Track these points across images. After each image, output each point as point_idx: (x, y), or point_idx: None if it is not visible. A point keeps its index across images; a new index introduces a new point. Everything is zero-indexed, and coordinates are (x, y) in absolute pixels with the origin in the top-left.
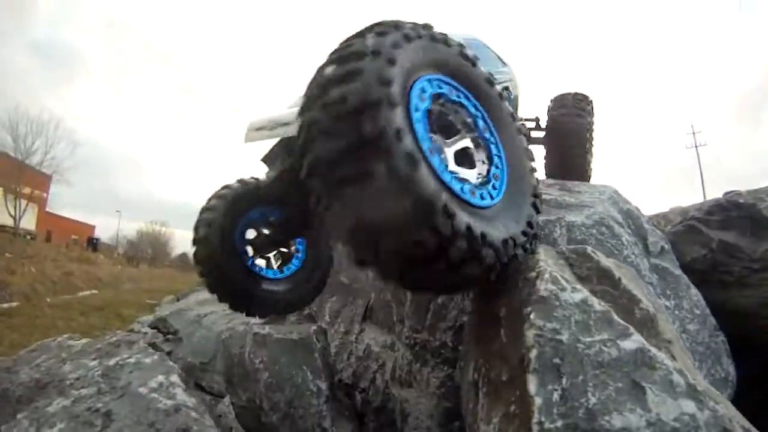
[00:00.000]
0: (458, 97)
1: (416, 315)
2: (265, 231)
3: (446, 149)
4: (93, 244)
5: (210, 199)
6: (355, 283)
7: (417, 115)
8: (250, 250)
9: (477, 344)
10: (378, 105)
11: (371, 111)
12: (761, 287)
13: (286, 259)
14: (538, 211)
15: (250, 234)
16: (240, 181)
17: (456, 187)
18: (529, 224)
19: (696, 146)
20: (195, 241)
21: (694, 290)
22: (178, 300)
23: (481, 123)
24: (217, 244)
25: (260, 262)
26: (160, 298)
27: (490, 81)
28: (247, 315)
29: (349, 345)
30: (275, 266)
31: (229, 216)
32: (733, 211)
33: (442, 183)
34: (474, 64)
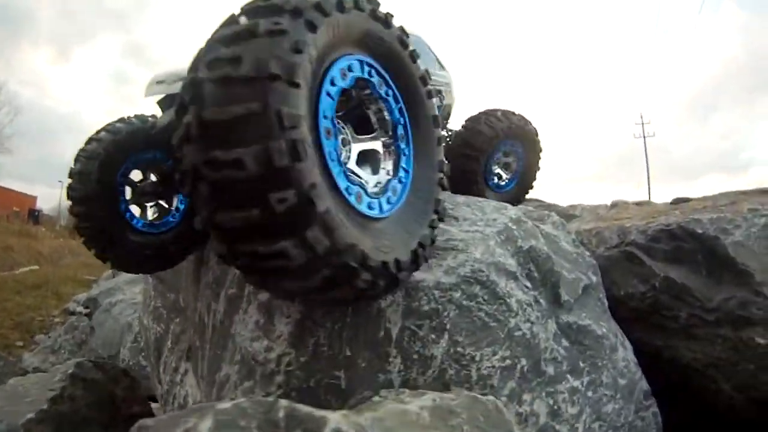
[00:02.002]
0: (386, 93)
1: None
2: (153, 177)
3: (352, 144)
4: (34, 216)
5: (99, 131)
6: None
7: (327, 97)
8: (128, 192)
9: None
10: (274, 78)
11: (263, 83)
12: (713, 344)
13: (162, 213)
14: (434, 228)
15: (136, 176)
16: (139, 116)
17: (342, 184)
18: (421, 245)
19: (644, 136)
20: (71, 174)
21: (621, 353)
22: (114, 275)
23: (400, 130)
24: (94, 181)
25: (135, 210)
26: (100, 273)
27: (425, 80)
28: (112, 266)
29: (174, 388)
30: (150, 218)
31: (115, 151)
32: (687, 242)
33: (329, 175)
34: (412, 58)
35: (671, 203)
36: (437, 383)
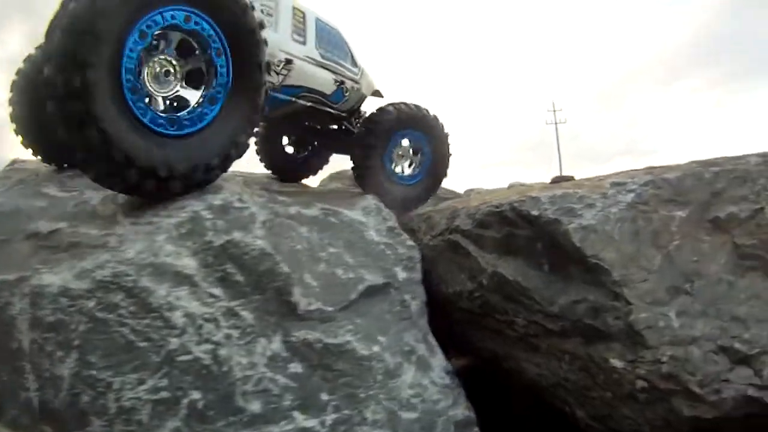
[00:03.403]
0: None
1: None
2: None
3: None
4: None
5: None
6: None
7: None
8: None
9: None
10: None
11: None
12: (560, 361)
13: None
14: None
15: None
16: None
17: (138, 112)
18: (236, 144)
19: (555, 123)
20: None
21: (409, 377)
22: None
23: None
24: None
25: None
26: None
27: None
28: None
29: None
30: None
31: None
32: (522, 228)
33: (126, 107)
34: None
35: (550, 182)
36: (73, 410)
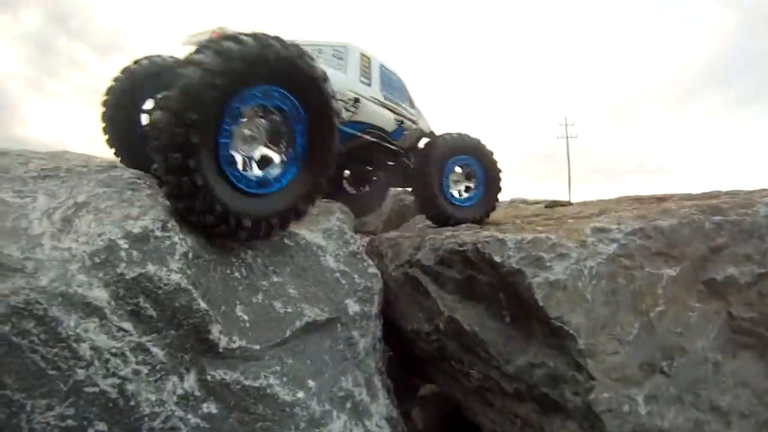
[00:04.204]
0: (283, 104)
1: None
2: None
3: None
4: None
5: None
6: None
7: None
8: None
9: None
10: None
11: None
12: (513, 425)
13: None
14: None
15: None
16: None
17: (228, 170)
18: (310, 198)
19: (567, 137)
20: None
21: (336, 426)
22: None
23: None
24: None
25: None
26: None
27: (326, 79)
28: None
29: None
30: None
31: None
32: (484, 272)
33: (219, 166)
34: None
35: (546, 206)
36: None
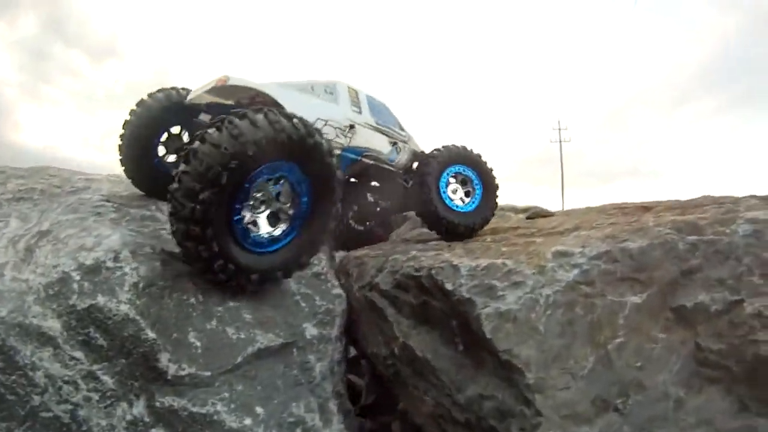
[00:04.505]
0: (291, 174)
1: None
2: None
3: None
4: None
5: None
6: None
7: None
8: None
9: None
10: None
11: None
12: None
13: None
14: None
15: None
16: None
17: (240, 234)
18: (310, 253)
19: (560, 141)
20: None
21: None
22: None
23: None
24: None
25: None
26: None
27: (331, 152)
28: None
29: None
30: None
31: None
32: (437, 299)
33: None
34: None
35: (527, 218)
36: None
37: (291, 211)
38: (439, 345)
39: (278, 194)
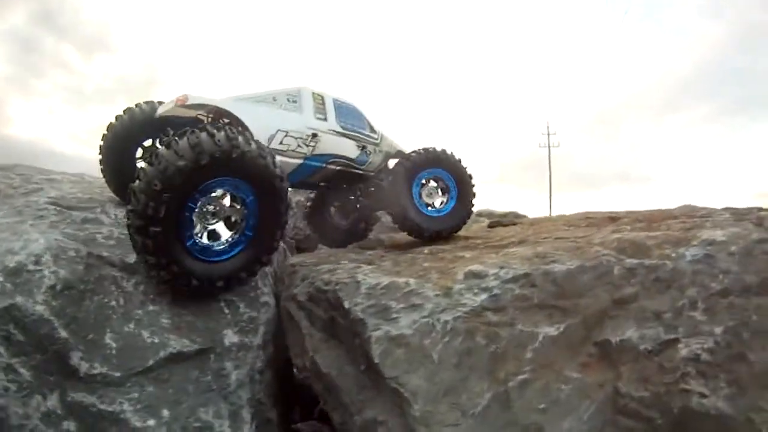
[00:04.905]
0: (241, 190)
1: None
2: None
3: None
4: None
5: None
6: None
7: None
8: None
9: None
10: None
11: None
12: None
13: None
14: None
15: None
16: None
17: (188, 243)
18: (251, 271)
19: (549, 146)
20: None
21: None
22: None
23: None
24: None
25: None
26: None
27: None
28: None
29: None
30: None
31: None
32: (341, 316)
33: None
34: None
35: (488, 226)
36: None
37: (239, 228)
38: (344, 363)
39: (230, 210)
